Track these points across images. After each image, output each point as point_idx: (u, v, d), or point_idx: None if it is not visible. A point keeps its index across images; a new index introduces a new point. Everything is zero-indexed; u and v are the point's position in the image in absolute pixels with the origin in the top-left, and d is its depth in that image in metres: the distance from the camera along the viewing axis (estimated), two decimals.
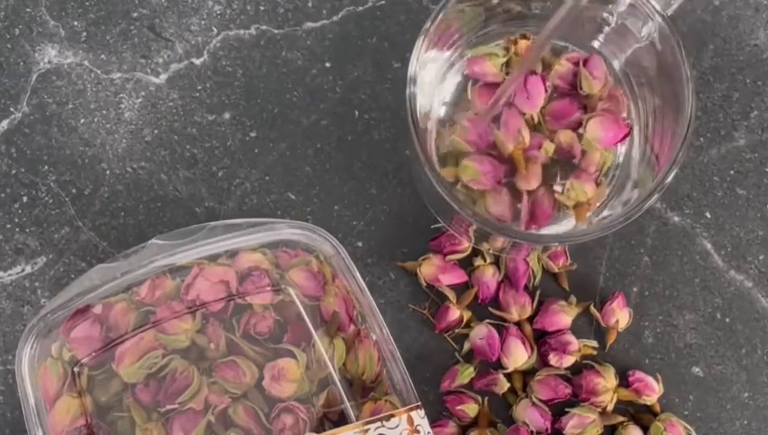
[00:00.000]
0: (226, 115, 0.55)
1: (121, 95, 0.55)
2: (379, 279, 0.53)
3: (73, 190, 0.54)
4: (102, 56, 0.55)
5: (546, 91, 0.48)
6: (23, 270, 0.54)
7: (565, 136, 0.48)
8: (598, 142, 0.47)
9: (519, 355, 0.51)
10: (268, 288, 0.48)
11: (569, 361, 0.51)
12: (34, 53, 0.55)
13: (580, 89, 0.48)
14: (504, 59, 0.49)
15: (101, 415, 0.47)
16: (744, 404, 0.53)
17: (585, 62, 0.48)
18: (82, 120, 0.55)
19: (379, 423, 0.45)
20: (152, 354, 0.47)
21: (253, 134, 0.55)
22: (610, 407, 0.51)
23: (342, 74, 0.55)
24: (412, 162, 0.52)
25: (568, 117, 0.48)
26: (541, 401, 0.51)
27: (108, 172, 0.54)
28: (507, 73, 0.49)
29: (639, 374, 0.52)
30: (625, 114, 0.49)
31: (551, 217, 0.48)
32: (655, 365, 0.53)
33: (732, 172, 0.54)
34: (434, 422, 0.51)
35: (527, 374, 0.52)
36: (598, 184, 0.48)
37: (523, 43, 0.49)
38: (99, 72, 0.55)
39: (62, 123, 0.55)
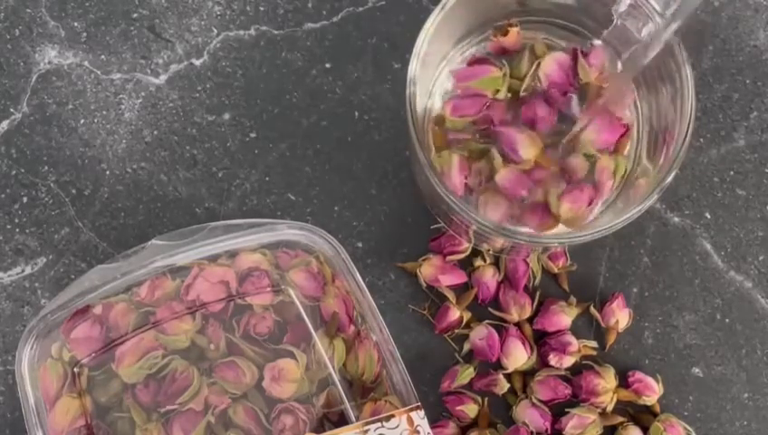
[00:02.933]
0: (226, 116, 0.55)
1: (121, 96, 0.55)
2: (379, 280, 0.53)
3: (73, 191, 0.54)
4: (102, 57, 0.55)
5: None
6: (22, 271, 0.54)
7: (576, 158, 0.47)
8: (592, 145, 0.47)
9: (519, 356, 0.51)
10: (268, 289, 0.48)
11: (569, 361, 0.51)
12: (34, 53, 0.55)
13: (577, 77, 0.47)
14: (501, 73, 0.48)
15: (101, 415, 0.47)
16: (744, 404, 0.53)
17: (585, 54, 0.47)
18: (82, 121, 0.55)
19: (378, 424, 0.45)
20: (152, 355, 0.47)
21: (253, 135, 0.55)
22: (610, 407, 0.51)
23: (342, 75, 0.55)
24: (412, 162, 0.52)
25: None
26: (541, 401, 0.51)
27: (108, 173, 0.54)
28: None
29: (639, 375, 0.52)
30: (624, 114, 0.49)
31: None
32: (655, 366, 0.53)
33: (732, 173, 0.54)
34: (434, 423, 0.51)
35: (527, 375, 0.52)
36: (591, 202, 0.47)
37: (513, 32, 0.48)
38: (99, 72, 0.55)
39: (62, 124, 0.55)
